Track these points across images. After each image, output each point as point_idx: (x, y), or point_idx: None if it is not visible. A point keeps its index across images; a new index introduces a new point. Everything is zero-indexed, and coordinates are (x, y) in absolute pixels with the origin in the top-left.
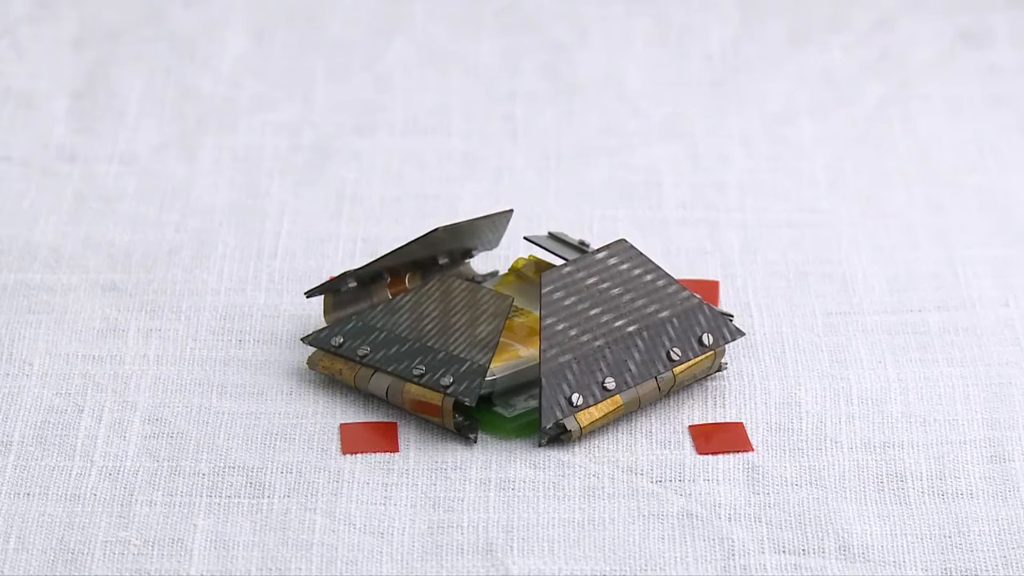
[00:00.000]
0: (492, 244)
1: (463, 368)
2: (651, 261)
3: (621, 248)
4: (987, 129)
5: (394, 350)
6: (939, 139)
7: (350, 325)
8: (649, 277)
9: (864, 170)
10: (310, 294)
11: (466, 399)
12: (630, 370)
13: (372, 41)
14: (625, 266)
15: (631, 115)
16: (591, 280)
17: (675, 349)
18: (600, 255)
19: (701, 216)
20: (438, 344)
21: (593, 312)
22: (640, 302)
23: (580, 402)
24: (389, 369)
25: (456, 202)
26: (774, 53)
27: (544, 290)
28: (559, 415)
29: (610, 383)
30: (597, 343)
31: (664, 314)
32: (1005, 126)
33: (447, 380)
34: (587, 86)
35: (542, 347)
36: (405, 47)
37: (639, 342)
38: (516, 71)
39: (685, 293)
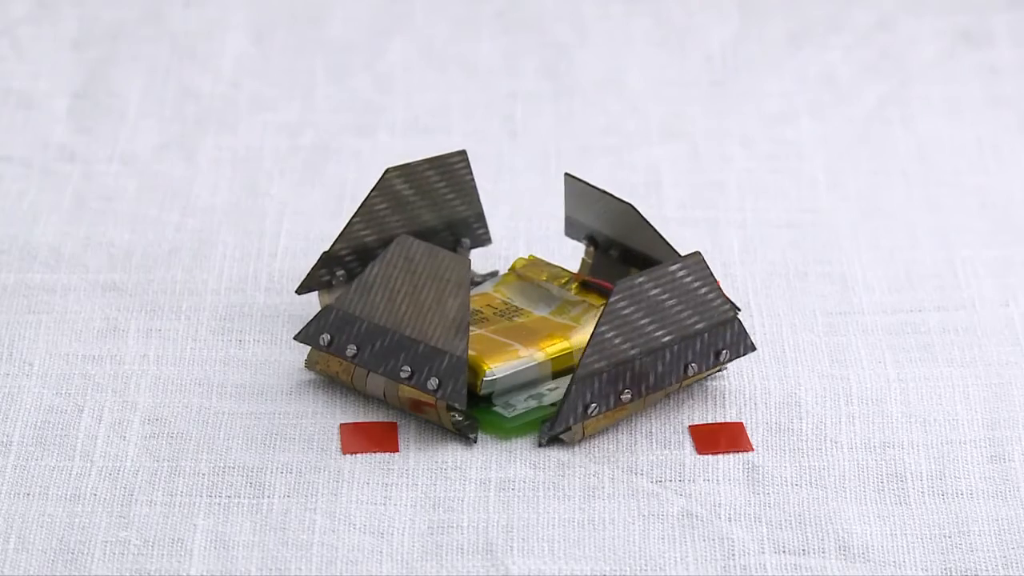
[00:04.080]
0: (484, 239)
1: (444, 364)
2: (712, 275)
3: (694, 262)
4: (987, 129)
5: (378, 345)
6: (939, 139)
7: (332, 316)
8: (704, 290)
9: (864, 170)
10: (301, 291)
11: (456, 403)
12: (648, 381)
13: (372, 41)
14: (689, 278)
15: (631, 115)
16: (655, 291)
17: (693, 364)
18: (674, 267)
19: (701, 216)
20: (416, 332)
21: (642, 322)
22: (685, 314)
23: (594, 412)
24: (379, 371)
25: None
26: (774, 53)
27: (612, 299)
28: (571, 421)
29: (626, 395)
30: (632, 351)
31: (699, 326)
32: (1005, 126)
33: (433, 383)
34: (587, 86)
35: (587, 352)
36: (405, 47)
37: (667, 354)
38: (516, 71)
39: (726, 307)
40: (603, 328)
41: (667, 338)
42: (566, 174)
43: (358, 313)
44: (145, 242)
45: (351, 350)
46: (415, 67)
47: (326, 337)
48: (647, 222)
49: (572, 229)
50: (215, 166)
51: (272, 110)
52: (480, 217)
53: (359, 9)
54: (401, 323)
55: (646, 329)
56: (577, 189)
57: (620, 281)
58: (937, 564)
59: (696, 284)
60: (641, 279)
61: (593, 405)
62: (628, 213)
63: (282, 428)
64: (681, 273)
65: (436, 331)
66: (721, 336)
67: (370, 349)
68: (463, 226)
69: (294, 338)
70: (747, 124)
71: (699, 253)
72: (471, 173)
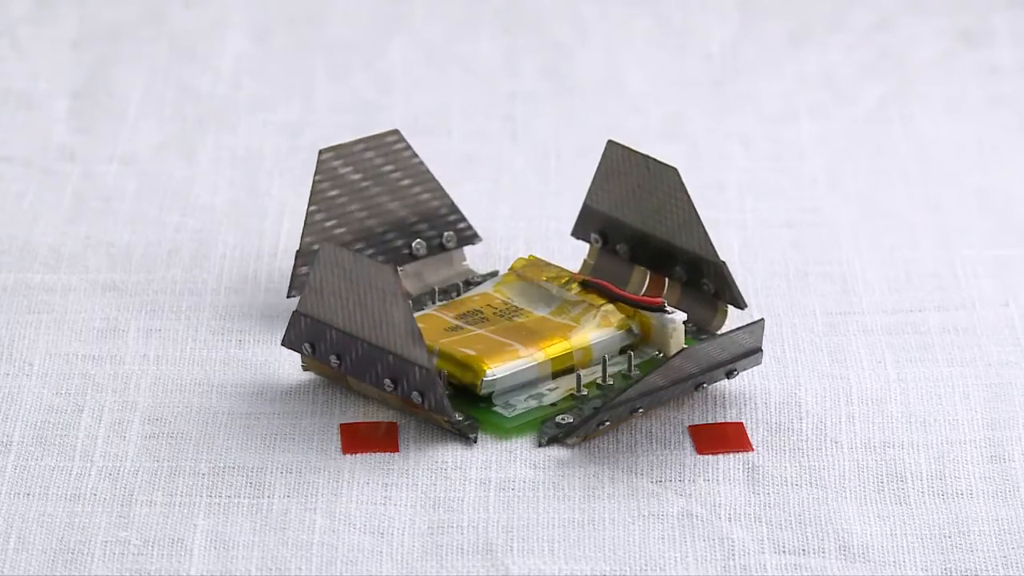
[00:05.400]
0: (470, 235)
1: (418, 377)
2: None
3: (756, 327)
4: (987, 129)
5: (355, 355)
6: (939, 139)
7: (303, 322)
8: (746, 340)
9: (864, 170)
10: (291, 294)
11: (445, 417)
12: (662, 400)
13: (372, 41)
14: (743, 336)
15: (631, 115)
16: (712, 348)
17: (705, 383)
18: (738, 334)
19: (701, 216)
20: (380, 340)
21: (686, 367)
22: (722, 354)
23: (607, 425)
24: (365, 381)
25: (456, 202)
26: (774, 53)
27: (675, 360)
28: (582, 434)
29: (640, 412)
30: (663, 383)
31: (725, 359)
32: (1005, 126)
33: (417, 397)
34: (587, 86)
35: (630, 392)
36: (405, 47)
37: (689, 381)
38: (516, 71)
39: (757, 345)
40: (654, 376)
41: (696, 371)
42: (609, 141)
43: (323, 319)
44: (145, 242)
45: (334, 360)
46: (415, 67)
47: (308, 346)
48: (686, 193)
49: (584, 223)
50: (215, 166)
51: (272, 110)
52: (454, 209)
53: (359, 9)
54: (364, 331)
55: (685, 369)
56: (617, 157)
57: (690, 349)
58: (937, 564)
59: (747, 340)
60: (707, 346)
61: (607, 422)
62: (667, 185)
63: (282, 428)
64: (743, 337)
65: (396, 340)
66: (740, 362)
67: (349, 358)
68: (439, 219)
69: (281, 344)
70: (747, 124)
71: (763, 320)
72: (416, 155)
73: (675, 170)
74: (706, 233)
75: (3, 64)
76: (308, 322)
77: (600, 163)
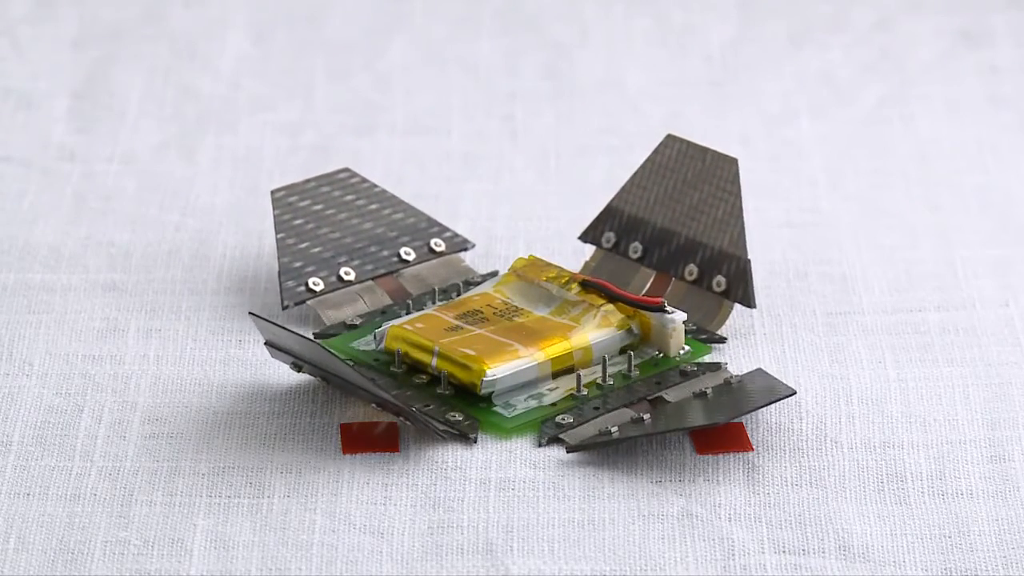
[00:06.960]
0: (458, 242)
1: (400, 407)
2: None
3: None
4: (987, 129)
5: (336, 380)
6: (939, 139)
7: (275, 350)
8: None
9: (864, 170)
10: (286, 306)
11: (438, 437)
12: (666, 409)
13: (372, 41)
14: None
15: (631, 115)
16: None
17: (708, 392)
18: (786, 399)
19: None
20: (349, 378)
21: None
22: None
23: (616, 432)
24: (355, 397)
25: (456, 202)
26: (774, 53)
27: (715, 420)
28: (589, 439)
29: (647, 417)
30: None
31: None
32: (1005, 126)
33: (404, 419)
34: (587, 86)
35: (647, 418)
36: (405, 47)
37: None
38: (516, 71)
39: (780, 385)
40: (684, 427)
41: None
42: (668, 135)
43: (297, 355)
44: (145, 242)
45: (321, 381)
46: (415, 67)
47: (294, 364)
48: (738, 185)
49: (598, 225)
50: (215, 166)
51: (272, 110)
52: (433, 222)
53: (359, 9)
54: (329, 369)
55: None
56: (672, 151)
57: (730, 415)
58: (937, 564)
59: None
60: (741, 418)
61: (615, 429)
62: (719, 177)
63: (282, 428)
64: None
65: (358, 381)
66: (750, 377)
67: (332, 380)
68: (420, 231)
69: (271, 356)
70: (747, 124)
71: (795, 392)
72: (376, 185)
73: (735, 160)
74: (743, 228)
75: (3, 64)
76: (286, 352)
77: (649, 158)
